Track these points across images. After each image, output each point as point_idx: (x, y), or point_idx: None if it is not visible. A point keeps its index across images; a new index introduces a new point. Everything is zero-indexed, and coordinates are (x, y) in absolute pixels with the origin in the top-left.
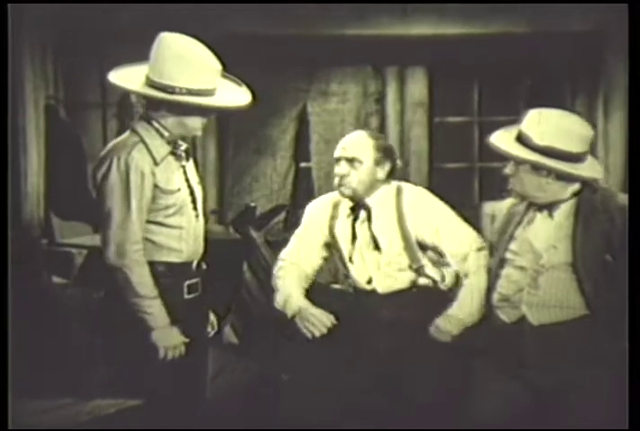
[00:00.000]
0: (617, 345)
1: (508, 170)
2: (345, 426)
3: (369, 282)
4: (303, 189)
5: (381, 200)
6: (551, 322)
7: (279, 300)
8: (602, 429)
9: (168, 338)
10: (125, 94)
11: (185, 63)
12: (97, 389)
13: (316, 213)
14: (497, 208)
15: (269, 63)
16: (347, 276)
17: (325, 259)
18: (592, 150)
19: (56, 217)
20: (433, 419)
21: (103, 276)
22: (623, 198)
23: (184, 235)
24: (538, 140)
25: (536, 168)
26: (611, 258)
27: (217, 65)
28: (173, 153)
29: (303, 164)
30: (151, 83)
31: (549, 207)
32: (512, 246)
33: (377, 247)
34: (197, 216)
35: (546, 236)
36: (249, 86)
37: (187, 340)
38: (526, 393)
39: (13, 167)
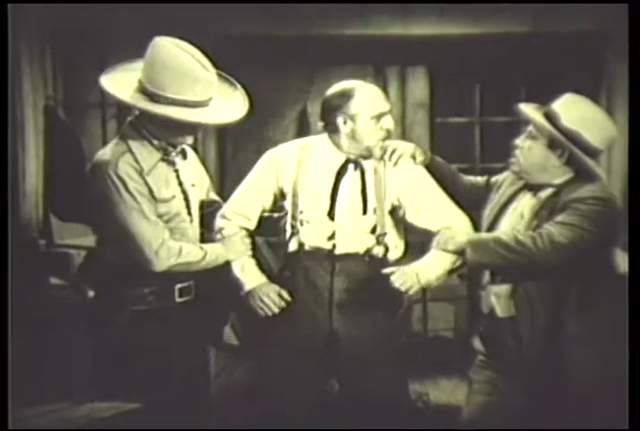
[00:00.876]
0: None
1: (519, 141)
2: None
3: (330, 238)
4: None
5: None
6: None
7: (234, 269)
8: (602, 429)
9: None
10: None
11: (175, 72)
12: (95, 392)
13: (276, 160)
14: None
15: (269, 63)
16: (295, 230)
17: (272, 211)
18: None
19: (54, 218)
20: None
21: (101, 277)
22: (584, 189)
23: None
24: (567, 122)
25: (553, 146)
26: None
27: (211, 77)
28: (163, 159)
29: None
30: (142, 89)
31: (539, 188)
32: (501, 228)
33: (364, 210)
34: (191, 221)
35: (526, 214)
36: (246, 88)
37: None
38: (525, 393)
39: (11, 167)
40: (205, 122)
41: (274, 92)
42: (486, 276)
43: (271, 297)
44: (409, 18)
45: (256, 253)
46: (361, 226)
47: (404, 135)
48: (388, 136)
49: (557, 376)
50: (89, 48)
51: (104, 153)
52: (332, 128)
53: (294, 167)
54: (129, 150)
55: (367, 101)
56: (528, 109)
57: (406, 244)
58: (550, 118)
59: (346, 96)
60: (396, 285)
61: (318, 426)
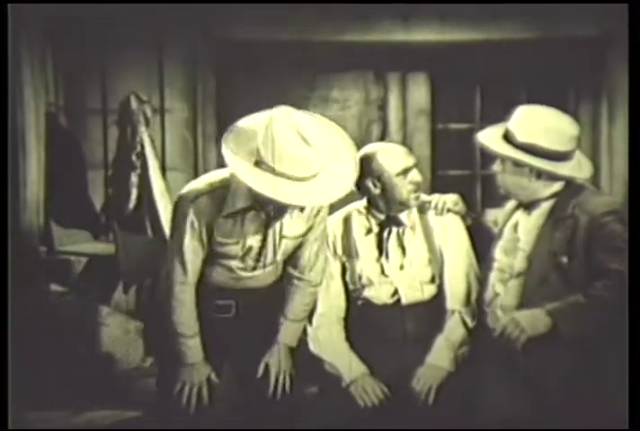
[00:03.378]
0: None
1: (495, 166)
2: None
3: (393, 295)
4: None
5: (408, 214)
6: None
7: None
8: (602, 429)
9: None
10: (126, 101)
11: (281, 150)
12: (95, 400)
13: (330, 237)
14: (500, 215)
15: (268, 69)
16: (361, 292)
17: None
18: (595, 156)
19: (55, 225)
20: None
21: (103, 284)
22: (599, 201)
23: None
24: (521, 137)
25: (518, 165)
26: (567, 258)
27: (310, 154)
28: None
29: None
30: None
31: (530, 206)
32: (500, 245)
33: (403, 263)
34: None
35: (523, 236)
36: (246, 94)
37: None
38: (525, 394)
39: (12, 174)
40: (296, 203)
41: (274, 99)
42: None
43: (373, 390)
44: (410, 23)
45: None
46: (419, 278)
47: (404, 141)
48: (418, 188)
49: (557, 376)
50: (90, 52)
51: None
52: (366, 193)
53: (341, 239)
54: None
55: (389, 161)
56: (483, 137)
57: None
58: (507, 137)
59: (369, 159)
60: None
61: None
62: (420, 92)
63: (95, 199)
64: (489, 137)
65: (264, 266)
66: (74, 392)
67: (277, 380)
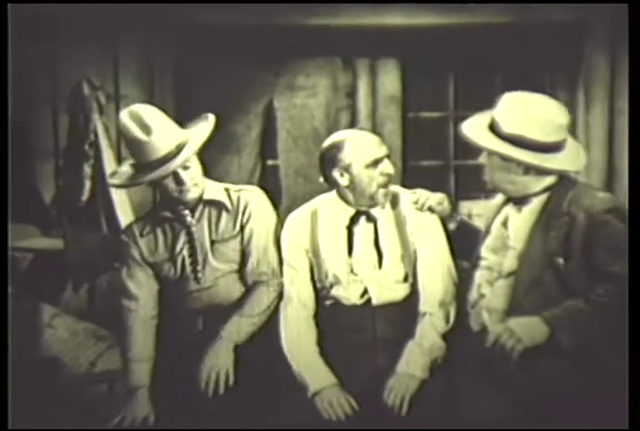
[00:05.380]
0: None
1: (482, 159)
2: None
3: (363, 295)
4: (270, 189)
5: (380, 207)
6: None
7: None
8: (602, 429)
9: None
10: (77, 87)
11: (128, 141)
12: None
13: (295, 231)
14: (487, 210)
15: (232, 55)
16: (328, 291)
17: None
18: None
19: None
20: None
21: (51, 284)
22: (596, 198)
23: None
24: (507, 128)
25: (505, 159)
26: (563, 260)
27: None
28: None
29: (270, 162)
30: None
31: (520, 202)
32: (487, 243)
33: (380, 261)
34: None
35: (513, 233)
36: (208, 80)
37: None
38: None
39: None
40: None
41: (238, 85)
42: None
43: (339, 403)
44: (380, 7)
45: None
46: (391, 277)
47: (374, 130)
48: (389, 180)
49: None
50: (39, 35)
51: None
52: (333, 183)
53: (308, 234)
54: None
55: (358, 150)
56: (468, 128)
57: None
58: (493, 128)
59: (337, 148)
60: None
61: None
62: (390, 79)
63: (45, 192)
64: (473, 128)
65: (213, 278)
66: (16, 399)
67: (209, 376)
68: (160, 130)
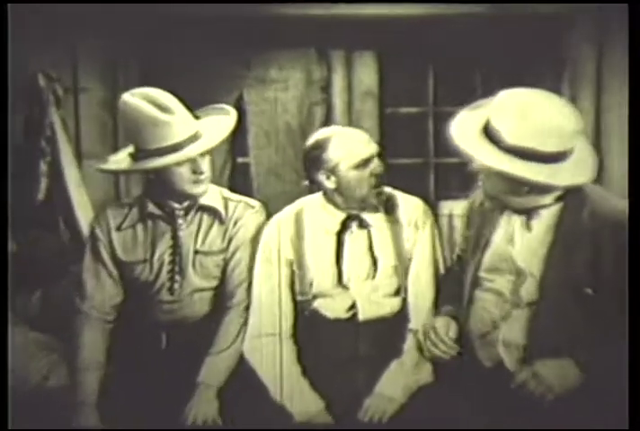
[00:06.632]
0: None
1: (476, 166)
2: None
3: (350, 309)
4: (240, 187)
5: (374, 212)
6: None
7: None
8: (602, 429)
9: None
10: (32, 80)
11: (137, 124)
12: None
13: (277, 236)
14: (456, 208)
15: (199, 46)
16: (310, 302)
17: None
18: None
19: None
20: None
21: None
22: (618, 208)
23: None
24: (512, 138)
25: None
26: (592, 291)
27: (169, 117)
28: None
29: (240, 160)
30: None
31: (528, 214)
32: (487, 260)
33: (371, 272)
34: None
35: (523, 254)
36: (175, 74)
37: None
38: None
39: None
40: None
41: (206, 78)
42: None
43: None
44: None
45: None
46: (382, 290)
47: (350, 126)
48: (380, 181)
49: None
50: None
51: None
52: (319, 186)
53: (291, 240)
54: None
55: (345, 150)
56: (458, 134)
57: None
58: (489, 134)
59: (321, 148)
60: None
61: None
62: (367, 72)
63: None
64: (466, 134)
65: (188, 292)
66: None
67: (194, 423)
68: (181, 112)
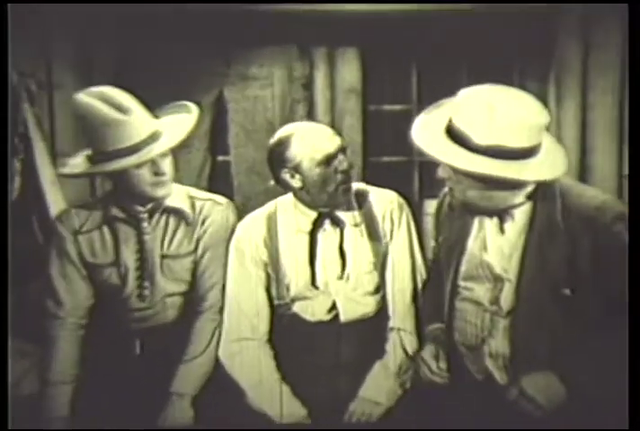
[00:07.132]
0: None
1: (441, 172)
2: None
3: (330, 310)
4: (220, 187)
5: (347, 209)
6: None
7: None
8: (602, 429)
9: None
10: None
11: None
12: None
13: (249, 239)
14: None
15: (179, 42)
16: (289, 306)
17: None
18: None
19: None
20: None
21: None
22: (591, 203)
23: None
24: (478, 137)
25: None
26: (570, 291)
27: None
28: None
29: (220, 158)
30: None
31: (500, 216)
32: (463, 267)
33: (342, 272)
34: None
35: (498, 259)
36: (154, 71)
37: None
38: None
39: None
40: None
41: (185, 75)
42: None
43: None
44: None
45: None
46: (361, 289)
47: (333, 124)
48: (348, 177)
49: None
50: None
51: None
52: (286, 187)
53: (264, 242)
54: None
55: (307, 146)
56: (421, 137)
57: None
58: (454, 136)
59: (283, 145)
60: None
61: None
62: (350, 70)
63: None
64: (430, 137)
65: (159, 298)
66: None
67: None
68: (139, 111)
